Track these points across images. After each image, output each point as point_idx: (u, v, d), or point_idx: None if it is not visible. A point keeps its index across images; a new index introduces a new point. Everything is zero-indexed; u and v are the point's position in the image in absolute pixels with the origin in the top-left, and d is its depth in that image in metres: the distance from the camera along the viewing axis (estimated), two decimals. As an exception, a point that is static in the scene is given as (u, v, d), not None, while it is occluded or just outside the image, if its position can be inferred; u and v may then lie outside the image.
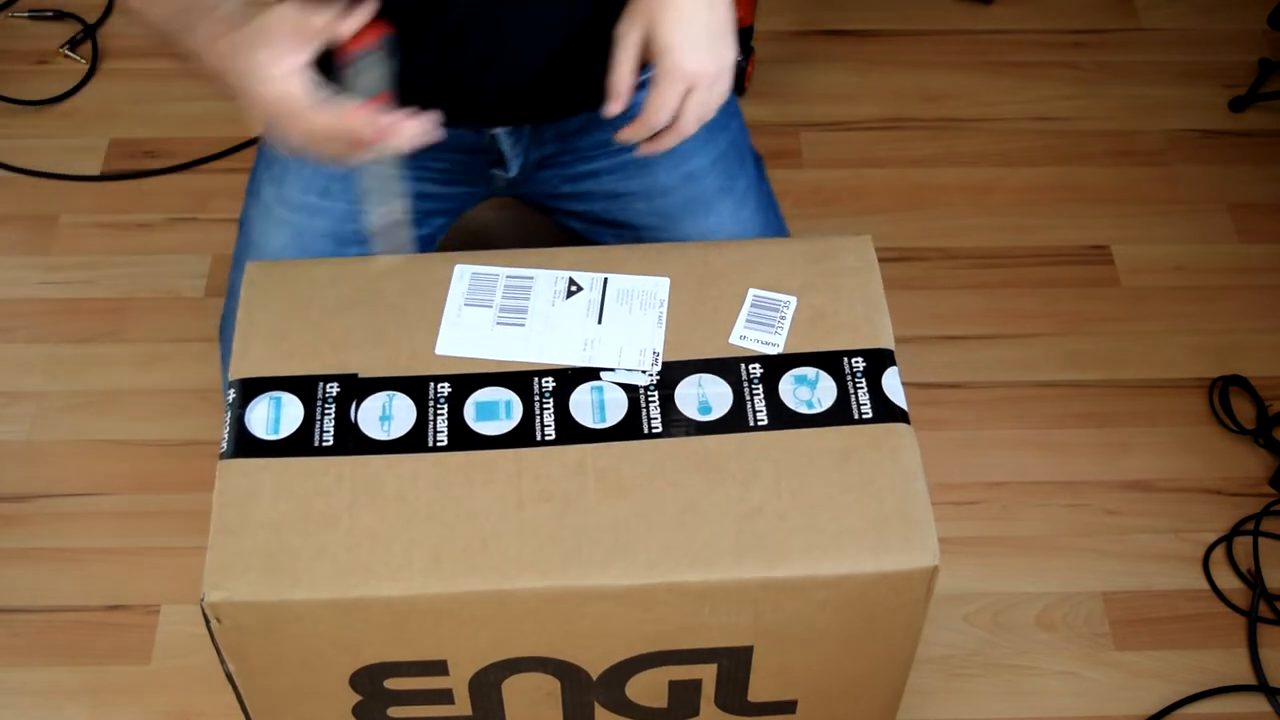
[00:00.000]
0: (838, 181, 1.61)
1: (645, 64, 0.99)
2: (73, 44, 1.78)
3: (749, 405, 0.95)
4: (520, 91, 1.11)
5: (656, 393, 0.96)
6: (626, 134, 0.99)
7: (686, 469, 0.92)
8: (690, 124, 0.99)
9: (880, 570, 0.89)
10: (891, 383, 0.97)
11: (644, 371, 0.97)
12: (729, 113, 1.18)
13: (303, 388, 0.96)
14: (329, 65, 0.93)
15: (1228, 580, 1.34)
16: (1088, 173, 1.68)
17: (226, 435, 0.94)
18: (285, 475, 0.92)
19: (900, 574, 0.89)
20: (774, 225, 1.19)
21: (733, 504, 0.91)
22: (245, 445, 0.93)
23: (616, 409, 0.95)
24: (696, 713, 1.00)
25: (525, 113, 1.14)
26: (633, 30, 0.97)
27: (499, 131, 1.15)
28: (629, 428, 0.94)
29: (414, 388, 0.96)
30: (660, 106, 0.97)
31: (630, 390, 0.96)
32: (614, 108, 0.98)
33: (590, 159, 1.17)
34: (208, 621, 0.88)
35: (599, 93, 1.00)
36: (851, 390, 0.96)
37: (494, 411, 0.95)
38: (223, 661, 0.92)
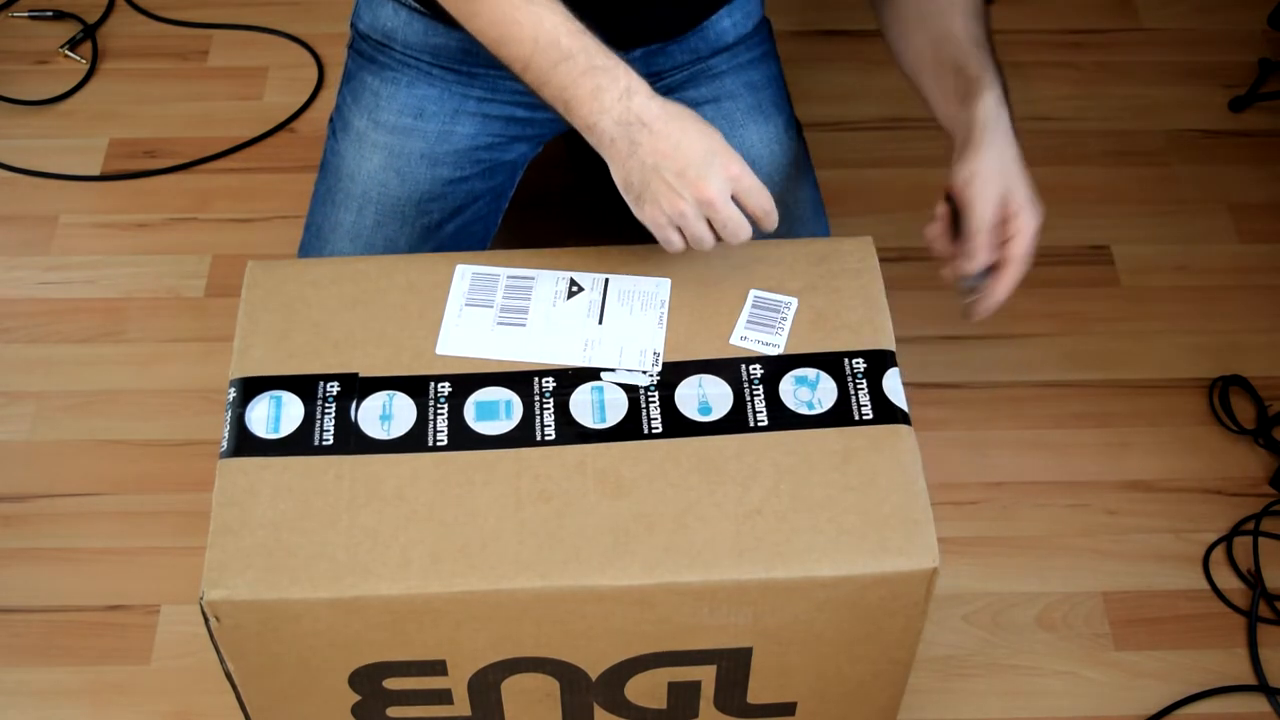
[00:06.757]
0: (838, 181, 1.61)
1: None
2: (73, 44, 1.77)
3: (749, 406, 0.95)
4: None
5: (657, 393, 0.96)
6: (979, 309, 1.00)
7: (686, 470, 0.92)
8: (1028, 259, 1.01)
9: (880, 571, 0.89)
10: (892, 384, 0.97)
11: (644, 372, 0.97)
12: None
13: (303, 387, 0.96)
14: None
15: (1228, 580, 1.33)
16: (1088, 173, 1.67)
17: (226, 434, 0.94)
18: (285, 474, 0.92)
19: (900, 575, 0.89)
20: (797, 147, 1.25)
21: (732, 505, 0.91)
22: (245, 444, 0.93)
23: (617, 409, 0.95)
24: (696, 714, 1.00)
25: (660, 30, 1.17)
26: (996, 190, 1.00)
27: None
28: (629, 428, 0.94)
29: (414, 387, 0.96)
30: (1024, 259, 1.00)
31: (630, 390, 0.96)
32: (972, 267, 1.00)
33: (668, 75, 1.21)
34: (207, 620, 0.88)
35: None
36: (852, 391, 0.96)
37: (494, 411, 0.95)
38: (222, 661, 0.92)
